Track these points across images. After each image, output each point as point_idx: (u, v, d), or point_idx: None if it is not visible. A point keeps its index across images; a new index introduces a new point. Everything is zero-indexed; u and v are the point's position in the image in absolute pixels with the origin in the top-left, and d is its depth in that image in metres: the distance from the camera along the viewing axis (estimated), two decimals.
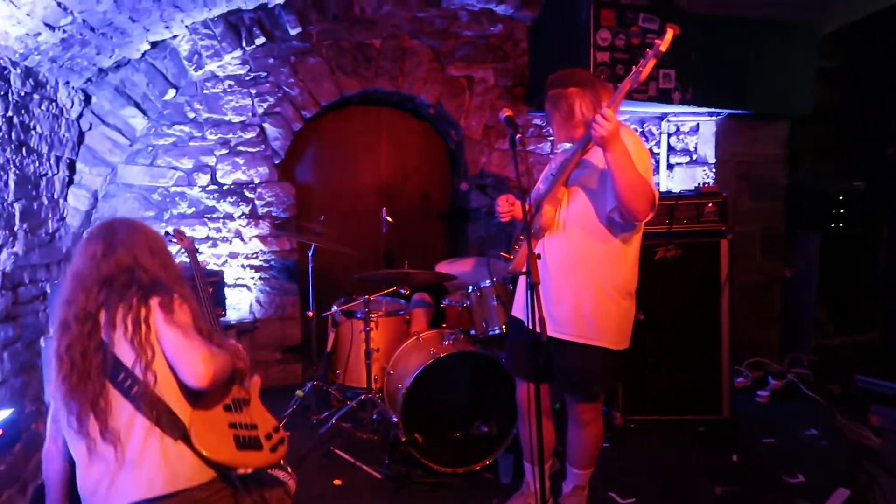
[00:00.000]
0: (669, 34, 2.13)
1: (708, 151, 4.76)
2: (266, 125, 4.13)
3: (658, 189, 2.48)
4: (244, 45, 3.89)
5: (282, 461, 1.97)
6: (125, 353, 1.74)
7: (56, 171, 3.16)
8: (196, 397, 1.80)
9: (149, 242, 1.93)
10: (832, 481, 3.06)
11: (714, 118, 4.69)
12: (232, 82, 4.06)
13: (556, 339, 2.45)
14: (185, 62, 3.76)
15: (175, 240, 2.89)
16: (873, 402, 3.73)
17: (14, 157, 2.70)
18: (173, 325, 1.75)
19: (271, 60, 4.07)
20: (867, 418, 3.70)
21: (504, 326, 3.38)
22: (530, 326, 2.23)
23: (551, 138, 4.66)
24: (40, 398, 2.86)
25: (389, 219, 3.79)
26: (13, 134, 2.68)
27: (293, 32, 4.03)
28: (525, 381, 2.69)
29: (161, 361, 1.75)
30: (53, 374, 1.76)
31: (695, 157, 4.81)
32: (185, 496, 1.71)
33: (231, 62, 4.01)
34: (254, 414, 1.96)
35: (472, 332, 3.48)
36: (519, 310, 2.68)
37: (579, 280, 2.44)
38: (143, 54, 3.41)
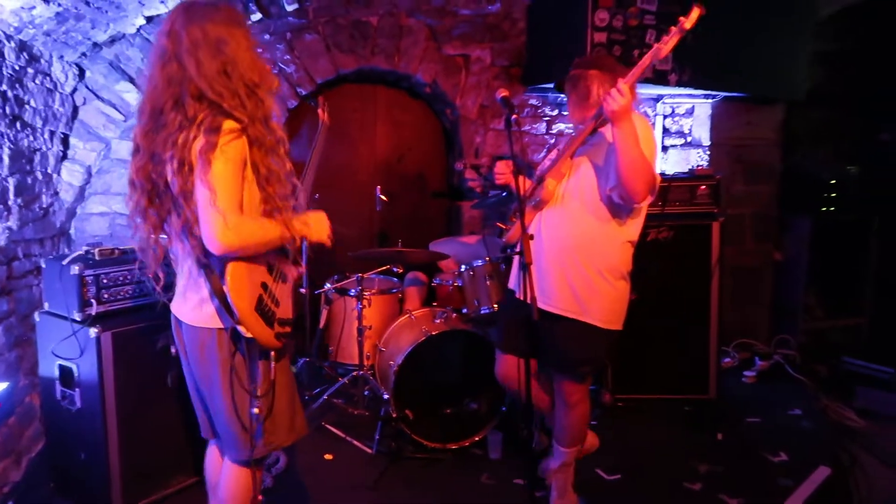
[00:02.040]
0: (696, 13, 2.16)
1: (703, 134, 4.77)
2: None
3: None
4: None
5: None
6: (174, 183, 1.77)
7: (50, 146, 3.16)
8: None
9: (211, 33, 1.74)
10: (814, 460, 3.13)
11: (710, 101, 4.69)
12: None
13: (547, 313, 2.48)
14: None
15: (318, 108, 2.78)
16: (858, 384, 3.79)
17: (8, 131, 2.70)
18: (204, 181, 1.69)
19: (267, 37, 4.04)
20: (851, 400, 3.77)
21: (496, 305, 3.42)
22: (521, 298, 2.34)
23: (546, 119, 4.66)
24: (35, 371, 2.89)
25: (384, 197, 3.81)
26: (7, 108, 2.68)
27: (290, 9, 4.00)
28: (511, 355, 2.72)
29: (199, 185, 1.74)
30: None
31: (689, 139, 4.82)
32: (192, 330, 1.89)
33: None
34: (282, 294, 1.97)
35: (464, 310, 3.52)
36: (513, 282, 2.71)
37: (572, 255, 2.47)
38: (139, 29, 3.38)
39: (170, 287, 2.00)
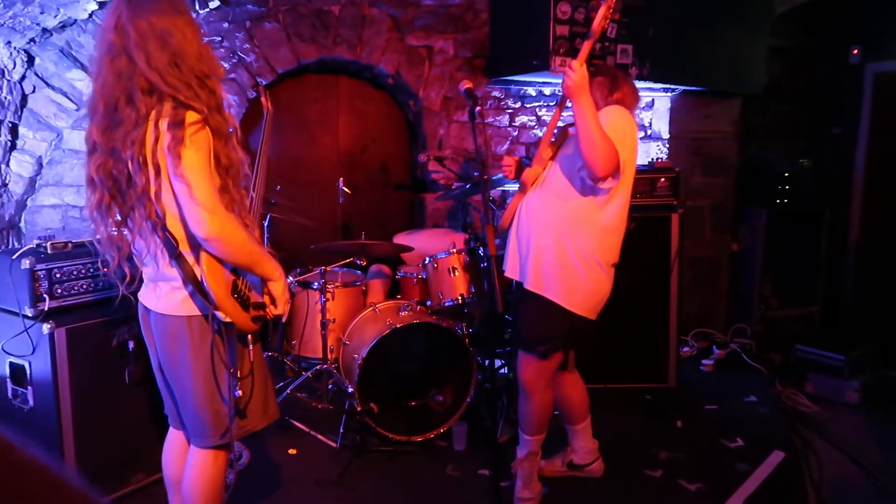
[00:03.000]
0: None
1: (662, 127, 4.84)
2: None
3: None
4: (198, 7, 3.77)
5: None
6: (136, 182, 1.77)
7: None
8: None
9: (157, 25, 1.73)
10: (769, 445, 3.22)
11: (669, 94, 4.76)
12: None
13: (521, 290, 2.62)
14: None
15: (261, 96, 2.76)
16: (811, 371, 3.92)
17: None
18: (178, 176, 1.70)
19: (226, 25, 3.95)
20: (804, 386, 3.89)
21: (460, 298, 3.42)
22: (507, 274, 2.69)
23: (510, 111, 4.68)
24: None
25: (347, 189, 3.77)
26: None
27: None
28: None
29: (165, 180, 1.75)
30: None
31: (649, 132, 4.89)
32: (162, 319, 1.90)
33: None
34: (254, 279, 2.01)
35: (428, 302, 3.52)
36: (509, 270, 2.75)
37: (546, 235, 2.54)
38: (91, 14, 3.27)
39: (134, 281, 1.98)
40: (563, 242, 2.50)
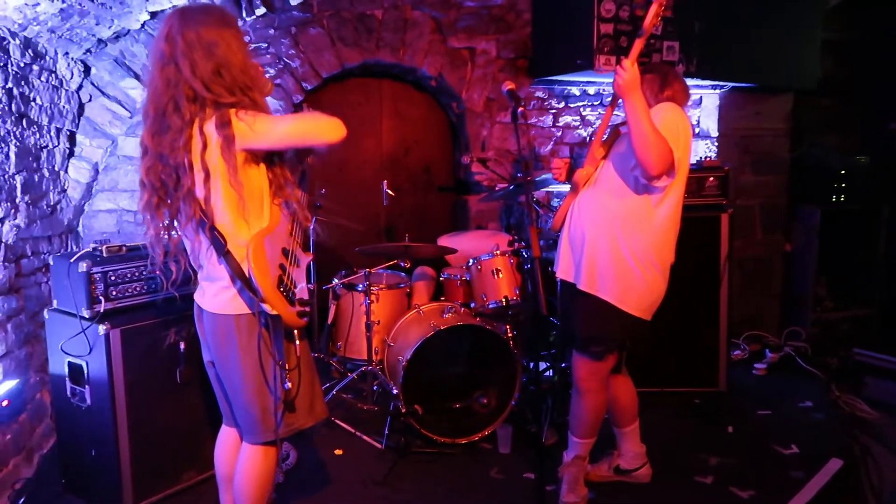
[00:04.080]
0: None
1: (711, 125, 4.73)
2: (267, 98, 4.10)
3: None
4: (244, 15, 3.84)
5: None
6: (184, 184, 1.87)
7: (56, 143, 3.16)
8: (261, 225, 1.93)
9: (204, 36, 1.84)
10: (826, 452, 3.11)
11: (717, 91, 4.65)
12: None
13: (573, 289, 2.57)
14: None
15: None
16: (869, 375, 3.77)
17: (14, 128, 2.70)
18: (265, 132, 1.84)
19: (272, 31, 4.03)
20: (863, 391, 3.74)
21: (504, 300, 3.41)
22: (560, 277, 2.65)
23: (553, 111, 4.64)
24: (45, 369, 2.90)
25: (391, 192, 3.79)
26: (13, 105, 2.67)
27: (294, 3, 3.98)
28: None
29: (217, 182, 1.84)
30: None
31: (697, 130, 4.78)
32: (212, 317, 1.97)
33: None
34: (298, 276, 2.08)
35: (472, 304, 3.51)
36: (560, 270, 2.72)
37: (601, 234, 2.50)
38: (143, 24, 3.36)
39: (182, 282, 2.08)
40: (618, 242, 2.46)
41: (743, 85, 4.48)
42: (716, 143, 4.71)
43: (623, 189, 2.48)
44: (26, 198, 2.84)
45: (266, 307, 1.89)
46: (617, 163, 2.52)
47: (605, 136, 2.62)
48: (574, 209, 2.61)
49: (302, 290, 2.07)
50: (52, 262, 2.69)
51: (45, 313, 2.72)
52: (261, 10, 3.88)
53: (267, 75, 4.04)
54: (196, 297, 2.07)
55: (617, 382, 2.77)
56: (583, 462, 2.73)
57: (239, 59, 1.87)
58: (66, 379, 2.66)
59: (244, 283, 1.89)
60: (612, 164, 2.54)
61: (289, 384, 1.97)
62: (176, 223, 1.95)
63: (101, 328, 2.48)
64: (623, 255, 2.46)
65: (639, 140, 2.30)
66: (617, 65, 2.33)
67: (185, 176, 1.84)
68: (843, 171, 4.72)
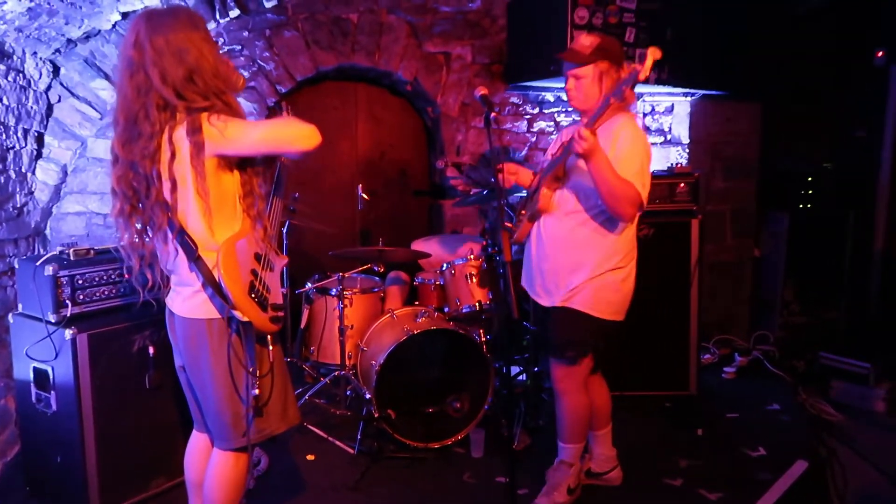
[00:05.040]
0: (650, 60, 2.08)
1: (682, 132, 4.80)
2: (240, 100, 4.07)
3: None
4: (218, 17, 3.81)
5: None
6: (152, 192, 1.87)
7: (24, 145, 3.10)
8: (233, 230, 1.92)
9: (173, 42, 1.81)
10: (792, 454, 3.17)
11: (689, 98, 4.72)
12: None
13: (546, 307, 2.61)
14: None
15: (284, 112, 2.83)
16: (835, 378, 3.84)
17: None
18: (236, 137, 1.83)
19: (246, 34, 4.00)
20: (829, 394, 3.82)
21: (478, 304, 3.42)
22: (533, 298, 2.65)
23: (528, 117, 4.67)
24: (9, 374, 2.84)
25: (365, 196, 3.79)
26: None
27: (268, 5, 3.96)
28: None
29: (187, 190, 1.84)
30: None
31: (669, 137, 4.85)
32: (184, 322, 1.96)
33: None
34: (271, 281, 2.06)
35: (446, 309, 3.51)
36: (532, 292, 2.75)
37: (571, 256, 2.53)
38: (114, 25, 3.32)
39: (154, 287, 2.03)
40: (587, 261, 2.50)
41: (713, 92, 4.56)
42: (687, 150, 4.78)
43: (587, 212, 2.51)
44: None
45: (237, 314, 1.88)
46: (581, 189, 2.51)
47: (557, 160, 2.56)
48: (538, 232, 2.64)
49: (276, 294, 2.06)
50: (17, 266, 2.64)
51: (10, 318, 2.67)
52: (235, 13, 3.85)
53: None
54: (167, 301, 2.06)
55: (592, 386, 2.79)
56: (568, 468, 2.72)
57: (210, 62, 1.86)
58: (32, 384, 2.61)
59: (214, 289, 1.88)
60: (576, 190, 2.53)
61: (256, 391, 1.96)
62: (149, 230, 1.93)
63: (68, 333, 2.44)
64: (593, 271, 2.50)
65: (609, 196, 2.33)
66: (577, 133, 2.26)
67: (154, 185, 1.83)
68: (810, 178, 4.82)
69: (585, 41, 2.47)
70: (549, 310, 2.62)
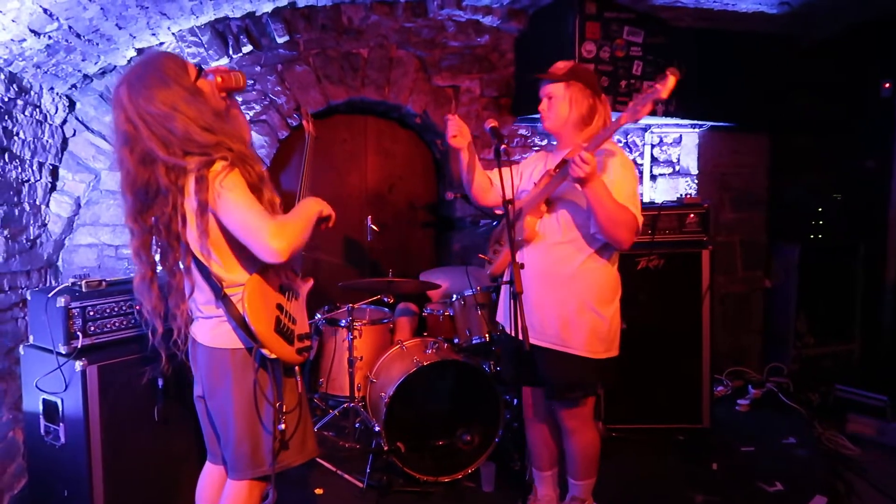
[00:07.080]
0: (672, 80, 2.12)
1: (690, 163, 4.81)
2: (252, 133, 4.13)
3: (642, 202, 2.50)
4: (231, 52, 3.89)
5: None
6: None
7: (39, 177, 3.15)
8: (259, 265, 1.91)
9: (157, 113, 1.76)
10: (810, 489, 3.10)
11: (697, 130, 4.75)
12: None
13: (536, 346, 2.47)
14: None
15: (303, 120, 2.76)
16: (851, 411, 3.78)
17: None
18: (228, 221, 1.78)
19: (258, 68, 4.07)
20: (845, 427, 3.75)
21: (488, 335, 3.40)
22: (511, 334, 2.40)
23: (536, 148, 4.70)
24: (19, 406, 2.83)
25: (375, 227, 3.80)
26: None
27: (280, 41, 4.04)
28: (524, 386, 2.72)
29: (206, 246, 1.84)
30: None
31: (677, 168, 4.86)
32: (207, 351, 1.96)
33: None
34: (297, 311, 2.06)
35: (456, 340, 3.49)
36: (502, 316, 2.70)
37: (556, 289, 2.46)
38: (129, 61, 3.40)
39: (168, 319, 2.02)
40: (578, 295, 2.44)
41: (721, 124, 4.58)
42: (696, 181, 4.78)
43: (582, 246, 2.44)
44: (6, 232, 2.81)
45: (265, 351, 1.89)
46: (568, 219, 2.46)
47: (550, 185, 2.48)
48: (526, 264, 2.46)
49: (302, 324, 2.07)
50: (29, 297, 2.65)
51: (21, 349, 2.68)
52: (247, 48, 3.93)
53: (252, 111, 4.09)
54: (191, 330, 2.04)
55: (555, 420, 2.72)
56: None
57: (199, 122, 1.79)
58: (41, 416, 2.60)
59: (243, 329, 1.89)
60: (563, 219, 2.47)
61: (283, 426, 1.95)
62: (173, 265, 1.94)
63: (78, 364, 2.44)
64: (586, 306, 2.44)
65: (608, 223, 2.28)
66: (577, 155, 2.19)
67: (174, 251, 1.88)
68: (819, 209, 4.81)
69: (561, 64, 2.51)
70: (536, 347, 2.48)
